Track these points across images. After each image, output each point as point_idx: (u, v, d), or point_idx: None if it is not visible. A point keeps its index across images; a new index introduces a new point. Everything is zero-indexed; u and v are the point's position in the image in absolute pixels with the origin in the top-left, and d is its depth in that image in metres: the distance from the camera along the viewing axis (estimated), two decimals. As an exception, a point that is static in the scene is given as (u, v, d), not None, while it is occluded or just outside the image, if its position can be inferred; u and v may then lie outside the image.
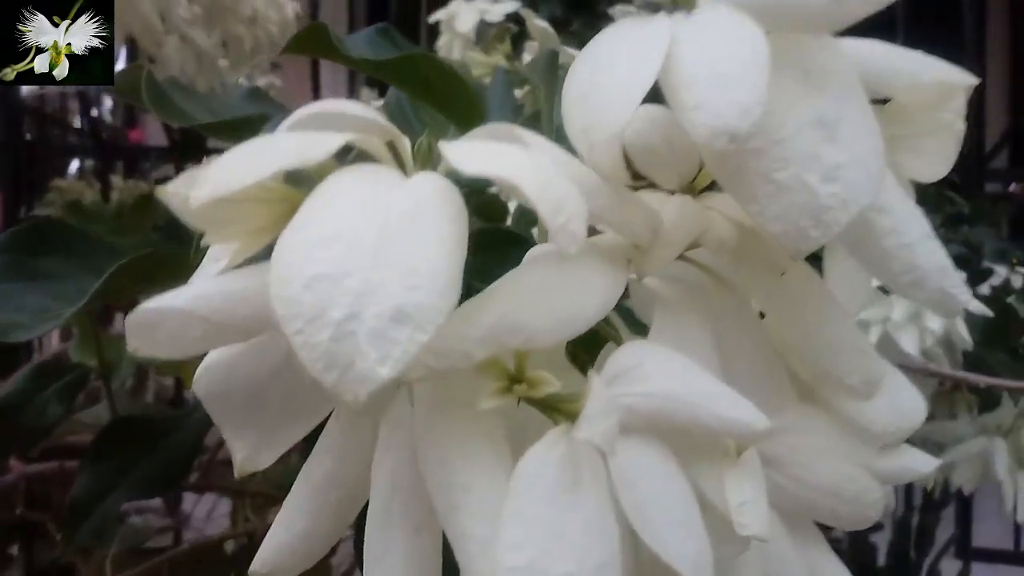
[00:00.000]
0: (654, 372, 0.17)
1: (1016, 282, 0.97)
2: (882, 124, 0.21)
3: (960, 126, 0.20)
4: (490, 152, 0.16)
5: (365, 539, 0.19)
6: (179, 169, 1.27)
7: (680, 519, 0.16)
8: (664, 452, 0.17)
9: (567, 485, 0.15)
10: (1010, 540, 1.50)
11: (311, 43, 0.27)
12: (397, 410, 0.19)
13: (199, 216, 0.16)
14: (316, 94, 1.28)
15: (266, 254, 0.16)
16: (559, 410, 0.17)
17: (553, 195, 0.14)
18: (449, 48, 1.08)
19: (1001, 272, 0.98)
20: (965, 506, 1.42)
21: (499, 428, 0.17)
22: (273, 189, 0.17)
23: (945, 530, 1.34)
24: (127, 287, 0.27)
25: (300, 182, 0.18)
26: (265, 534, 0.21)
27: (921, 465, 0.21)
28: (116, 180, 1.22)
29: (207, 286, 0.16)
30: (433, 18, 1.09)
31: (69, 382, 0.39)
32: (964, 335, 0.81)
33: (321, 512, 0.21)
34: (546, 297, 0.17)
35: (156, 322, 0.15)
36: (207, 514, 0.87)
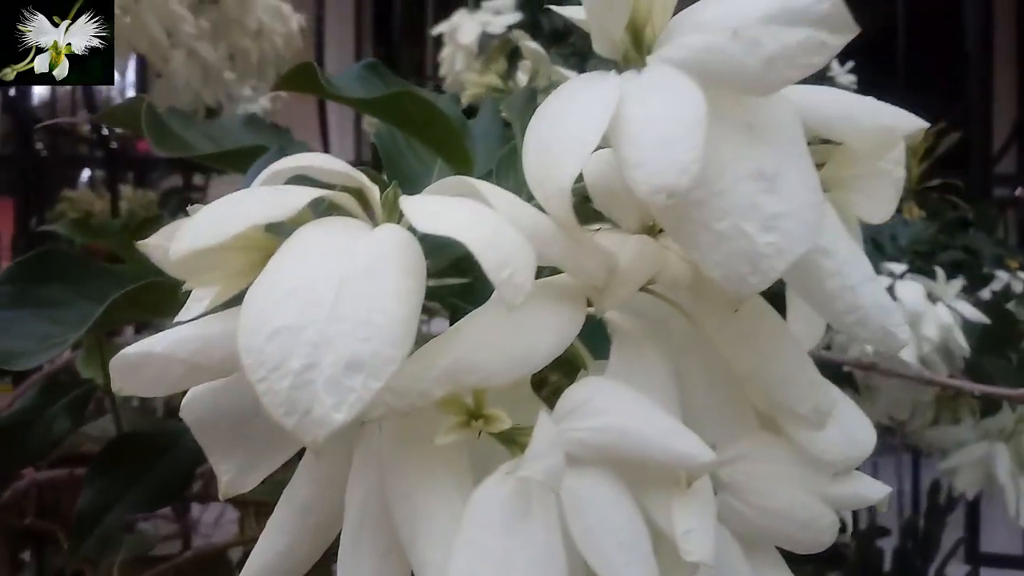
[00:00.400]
0: (604, 407, 0.18)
1: (1017, 287, 0.97)
2: (834, 166, 0.22)
3: (899, 174, 0.21)
4: (442, 209, 0.17)
5: (338, 561, 0.20)
6: (186, 179, 1.29)
7: (627, 545, 0.17)
8: (615, 482, 0.18)
9: (517, 516, 0.16)
10: (1019, 545, 1.50)
11: (299, 81, 0.28)
12: (369, 440, 0.20)
13: (178, 267, 0.17)
14: (321, 108, 1.30)
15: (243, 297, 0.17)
16: (515, 443, 0.18)
17: (497, 251, 0.15)
18: (452, 59, 1.09)
19: (1003, 277, 0.98)
20: (973, 511, 1.42)
21: (461, 460, 0.18)
22: (250, 237, 0.19)
23: (952, 535, 1.34)
24: (126, 315, 0.28)
25: (278, 229, 0.19)
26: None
27: (872, 492, 0.22)
28: (125, 190, 1.25)
29: (185, 330, 0.17)
30: (436, 31, 1.10)
31: (77, 397, 0.41)
32: (961, 342, 0.82)
33: (300, 533, 0.22)
34: (500, 338, 0.18)
35: (139, 365, 0.17)
36: (215, 520, 0.89)
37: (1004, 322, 0.91)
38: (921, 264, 0.93)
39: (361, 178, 0.19)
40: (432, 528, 0.17)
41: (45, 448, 0.38)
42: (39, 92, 1.56)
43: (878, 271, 0.86)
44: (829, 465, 0.21)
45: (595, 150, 0.18)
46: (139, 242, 0.17)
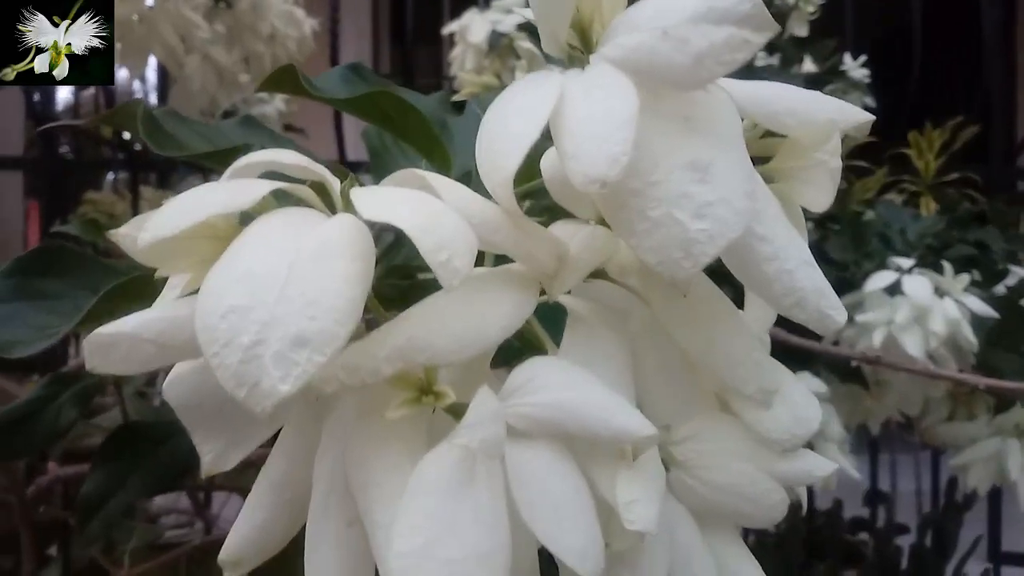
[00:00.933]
0: (547, 383, 0.19)
1: (1031, 282, 0.96)
2: (779, 158, 0.23)
3: (835, 164, 0.21)
4: (388, 198, 0.18)
5: (306, 530, 0.21)
6: (206, 180, 1.31)
7: (570, 515, 0.19)
8: (559, 455, 0.19)
9: (461, 482, 0.18)
10: (1040, 544, 1.48)
11: (281, 83, 0.30)
12: (337, 415, 0.21)
13: (146, 255, 0.19)
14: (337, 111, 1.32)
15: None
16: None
17: (435, 236, 0.17)
18: (463, 58, 1.11)
19: (1019, 272, 0.97)
20: (995, 509, 1.41)
21: (418, 434, 0.20)
22: (217, 227, 0.20)
23: (974, 532, 1.32)
24: (118, 305, 0.30)
25: (246, 220, 0.20)
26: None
27: (819, 468, 0.23)
28: (147, 191, 1.28)
29: (153, 313, 0.19)
30: (446, 30, 1.12)
31: (84, 387, 0.42)
32: (970, 337, 0.81)
33: (276, 509, 0.23)
34: (450, 320, 0.19)
35: (111, 344, 0.18)
36: (236, 515, 0.91)
37: (1016, 317, 0.90)
38: (931, 259, 0.93)
39: (323, 172, 0.20)
40: (383, 494, 0.18)
41: (51, 436, 0.40)
42: (63, 97, 1.60)
43: (886, 265, 0.86)
44: (776, 443, 0.22)
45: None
46: (109, 232, 0.19)
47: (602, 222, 0.23)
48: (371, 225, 0.18)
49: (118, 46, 0.84)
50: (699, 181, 0.19)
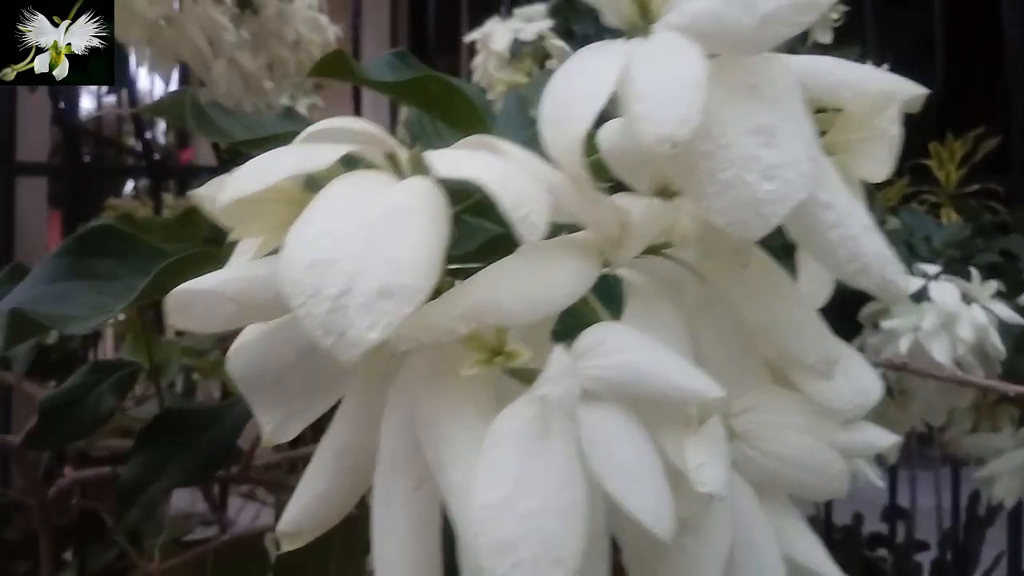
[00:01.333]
0: (617, 347, 0.19)
1: (1061, 292, 0.95)
2: (835, 131, 0.23)
3: (894, 131, 0.22)
4: (464, 158, 0.18)
5: (373, 496, 0.21)
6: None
7: (641, 475, 0.19)
8: (629, 417, 0.19)
9: (537, 437, 0.18)
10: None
11: (332, 68, 0.30)
12: (404, 378, 0.22)
13: (225, 215, 0.19)
14: (357, 114, 1.33)
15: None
16: (533, 379, 0.19)
17: (514, 192, 0.17)
18: (485, 65, 1.12)
19: (1047, 280, 0.96)
20: (1015, 525, 1.39)
21: (485, 394, 0.20)
22: (288, 191, 0.20)
23: (995, 549, 1.30)
24: (173, 284, 0.30)
25: (314, 187, 0.21)
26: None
27: (880, 440, 0.23)
28: (168, 198, 1.29)
29: (234, 271, 0.19)
30: (469, 37, 1.13)
31: (123, 376, 0.43)
32: (997, 344, 0.81)
33: (339, 477, 0.23)
34: (520, 283, 0.19)
35: (191, 301, 0.18)
36: (252, 520, 0.91)
37: (1043, 325, 0.89)
38: (957, 267, 0.92)
39: (390, 139, 0.21)
40: (456, 452, 0.19)
41: (94, 423, 0.40)
42: (85, 106, 1.62)
43: (911, 272, 0.85)
44: (836, 413, 0.22)
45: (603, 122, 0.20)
46: (191, 191, 0.19)
47: (660, 195, 0.24)
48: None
49: (147, 50, 0.85)
50: (765, 145, 0.19)
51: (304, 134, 0.21)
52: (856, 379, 0.23)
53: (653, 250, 0.23)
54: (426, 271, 0.17)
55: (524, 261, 0.20)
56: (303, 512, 0.24)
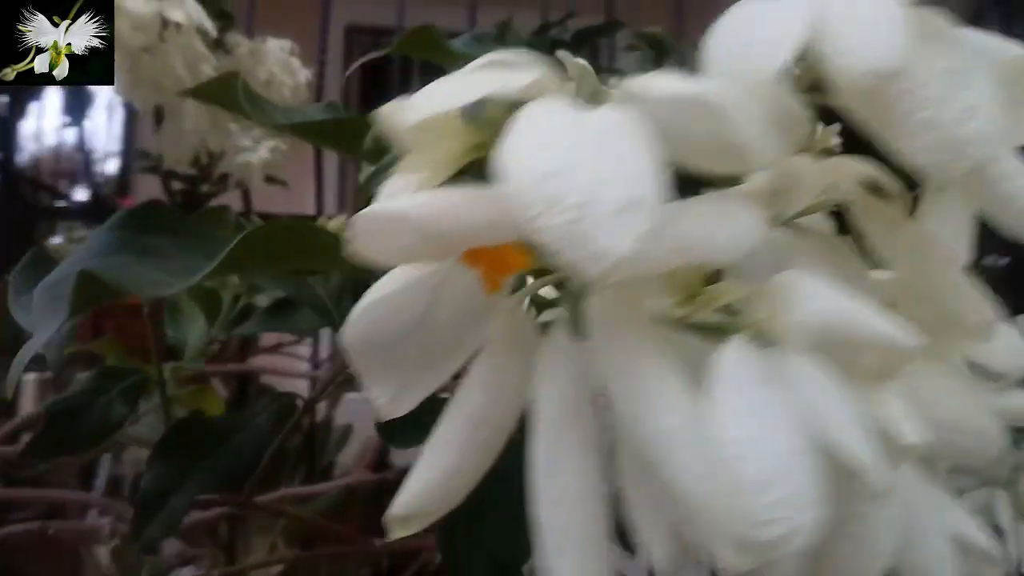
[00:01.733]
0: (815, 293, 0.19)
1: None
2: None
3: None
4: (672, 80, 0.17)
5: (533, 461, 0.19)
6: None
7: (858, 425, 0.17)
8: (832, 367, 0.18)
9: (764, 379, 0.17)
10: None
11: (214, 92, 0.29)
12: (557, 341, 0.20)
13: (408, 136, 0.17)
14: (318, 160, 1.31)
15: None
16: (724, 330, 0.18)
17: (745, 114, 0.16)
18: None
19: None
20: None
21: (674, 341, 0.18)
22: (454, 125, 0.19)
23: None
24: (246, 261, 0.28)
25: (481, 121, 0.19)
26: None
27: (1032, 404, 0.23)
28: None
29: (423, 196, 0.17)
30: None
31: (131, 384, 0.39)
32: None
33: (470, 449, 0.21)
34: (720, 222, 0.18)
35: (377, 225, 0.17)
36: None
37: None
38: None
39: (563, 73, 0.20)
40: (662, 396, 0.17)
41: (102, 432, 0.37)
42: (29, 148, 1.56)
43: None
44: (999, 374, 0.22)
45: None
46: (374, 112, 0.18)
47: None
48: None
49: (126, 77, 0.82)
50: (961, 87, 0.19)
51: (474, 64, 0.19)
52: (1010, 342, 0.22)
53: (809, 211, 0.22)
54: (659, 188, 0.15)
55: (714, 204, 0.19)
56: (426, 491, 0.22)
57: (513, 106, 0.19)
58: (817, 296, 0.19)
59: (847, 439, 0.17)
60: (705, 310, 0.18)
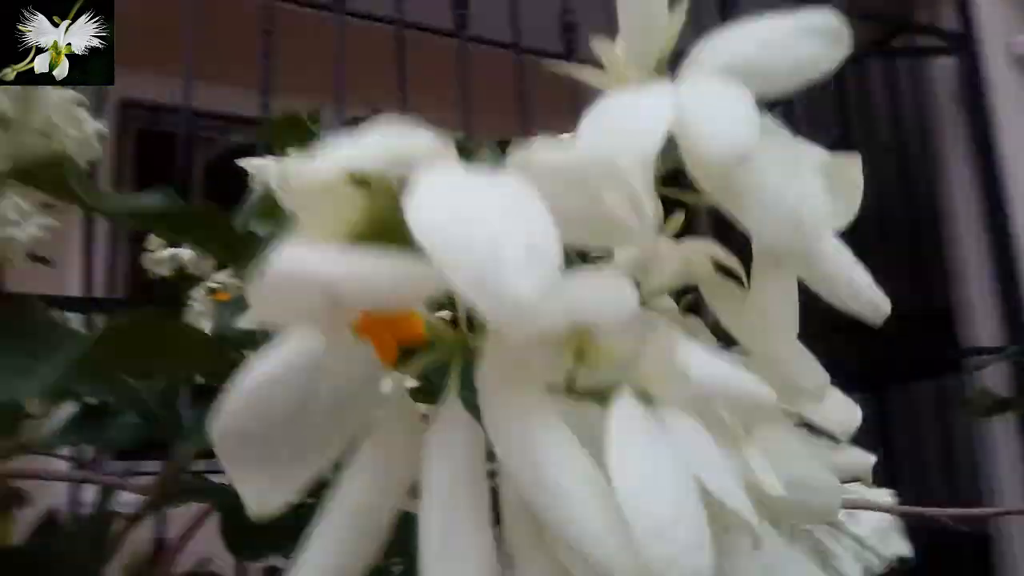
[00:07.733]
0: (694, 358, 0.20)
1: None
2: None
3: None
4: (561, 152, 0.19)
5: (422, 538, 0.18)
6: None
7: (730, 474, 0.19)
8: (703, 426, 0.19)
9: (652, 431, 0.17)
10: None
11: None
12: (448, 412, 0.20)
13: (298, 200, 0.17)
14: (87, 239, 1.23)
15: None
16: (611, 389, 0.19)
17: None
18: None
19: None
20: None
21: (560, 403, 0.19)
22: (340, 189, 0.19)
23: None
24: (103, 365, 0.25)
25: (364, 183, 0.20)
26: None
27: (864, 459, 0.25)
28: None
29: (333, 254, 0.17)
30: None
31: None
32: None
33: (352, 542, 0.20)
34: (604, 288, 0.19)
35: (282, 282, 0.16)
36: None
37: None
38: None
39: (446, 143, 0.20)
40: (562, 458, 0.17)
41: None
42: None
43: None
44: (833, 433, 0.24)
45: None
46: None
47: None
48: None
49: None
50: (794, 175, 0.22)
51: (366, 132, 0.19)
52: (840, 403, 0.25)
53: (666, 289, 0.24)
54: (557, 245, 0.16)
55: (597, 273, 0.20)
56: None
57: (405, 171, 0.19)
58: (693, 355, 0.20)
59: (729, 490, 0.18)
60: (595, 368, 0.19)
